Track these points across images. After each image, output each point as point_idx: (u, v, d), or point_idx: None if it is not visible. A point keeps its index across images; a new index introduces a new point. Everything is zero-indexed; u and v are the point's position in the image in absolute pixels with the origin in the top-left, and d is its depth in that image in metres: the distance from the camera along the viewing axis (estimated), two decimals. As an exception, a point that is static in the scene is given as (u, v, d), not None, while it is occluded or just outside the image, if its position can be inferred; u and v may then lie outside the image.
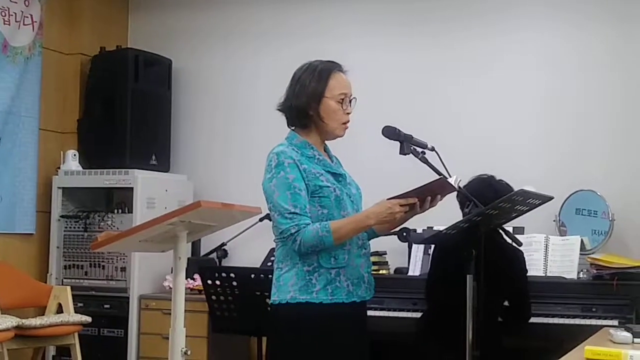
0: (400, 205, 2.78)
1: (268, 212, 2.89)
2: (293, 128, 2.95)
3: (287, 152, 2.84)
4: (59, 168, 5.36)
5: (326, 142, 2.99)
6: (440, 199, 2.86)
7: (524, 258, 3.84)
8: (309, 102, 2.87)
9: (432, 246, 4.23)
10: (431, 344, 3.72)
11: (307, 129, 2.92)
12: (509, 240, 3.41)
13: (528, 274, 4.19)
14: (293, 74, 2.96)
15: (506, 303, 3.81)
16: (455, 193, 3.22)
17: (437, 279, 3.83)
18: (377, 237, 3.05)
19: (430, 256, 4.13)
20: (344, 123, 2.92)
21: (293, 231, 2.76)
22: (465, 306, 3.10)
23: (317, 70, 2.90)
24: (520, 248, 3.59)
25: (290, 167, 2.80)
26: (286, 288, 2.81)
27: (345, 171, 3.01)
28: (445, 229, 3.22)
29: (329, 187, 2.85)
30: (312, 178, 2.83)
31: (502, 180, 3.84)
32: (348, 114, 2.92)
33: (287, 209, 2.77)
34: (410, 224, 3.01)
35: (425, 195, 2.80)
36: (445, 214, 3.42)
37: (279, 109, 2.95)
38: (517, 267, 3.79)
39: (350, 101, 2.92)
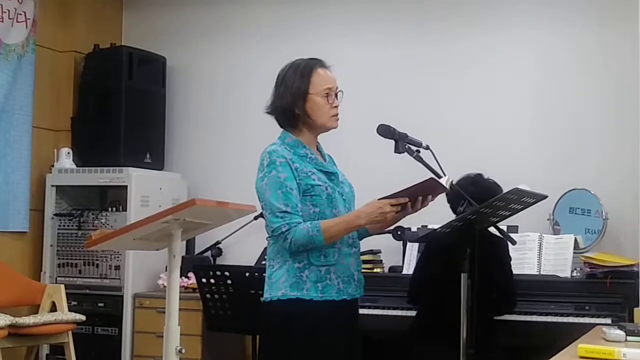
0: (392, 205, 2.78)
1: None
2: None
3: (279, 151, 2.85)
4: (53, 166, 5.34)
5: (319, 141, 2.99)
6: (432, 199, 2.86)
7: (506, 244, 3.80)
8: (294, 101, 2.88)
9: (422, 246, 4.22)
10: (425, 342, 3.72)
11: (297, 128, 2.92)
12: (494, 232, 3.40)
13: (522, 273, 4.20)
14: (277, 75, 2.96)
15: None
16: (445, 194, 3.21)
17: (429, 279, 3.82)
18: (370, 236, 3.06)
19: (418, 257, 4.12)
20: (333, 115, 2.92)
21: (284, 230, 2.77)
22: (458, 305, 3.10)
23: (299, 69, 2.91)
24: (503, 237, 3.54)
25: (282, 166, 2.81)
26: (277, 285, 2.82)
27: (338, 169, 3.01)
28: (440, 227, 3.22)
29: (320, 185, 2.85)
30: (303, 177, 2.83)
31: (490, 179, 3.84)
32: (335, 107, 2.92)
33: (279, 208, 2.78)
34: (404, 222, 3.01)
35: (417, 195, 2.81)
36: (439, 213, 3.42)
37: (267, 112, 2.95)
38: (497, 255, 3.76)
39: (336, 94, 2.92)
